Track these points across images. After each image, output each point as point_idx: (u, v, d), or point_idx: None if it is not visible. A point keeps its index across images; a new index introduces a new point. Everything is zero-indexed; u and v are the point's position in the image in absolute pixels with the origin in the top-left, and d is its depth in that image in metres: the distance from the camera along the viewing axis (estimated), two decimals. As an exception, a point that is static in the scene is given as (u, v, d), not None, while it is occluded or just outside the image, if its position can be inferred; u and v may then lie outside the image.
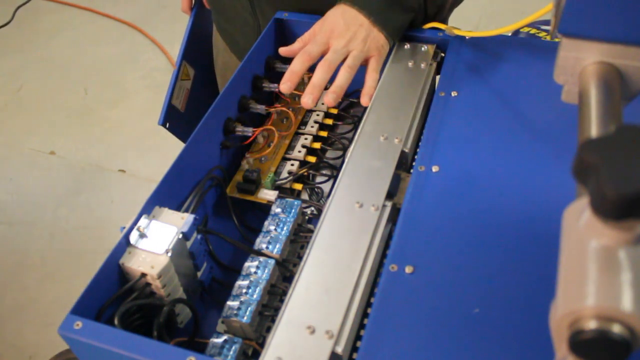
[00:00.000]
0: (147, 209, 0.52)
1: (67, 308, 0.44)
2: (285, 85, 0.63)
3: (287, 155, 0.68)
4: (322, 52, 0.65)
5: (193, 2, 0.98)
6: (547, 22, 1.47)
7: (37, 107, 2.11)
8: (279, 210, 0.57)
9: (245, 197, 0.63)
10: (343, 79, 0.64)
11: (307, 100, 0.63)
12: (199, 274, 0.55)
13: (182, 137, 0.96)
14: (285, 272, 0.55)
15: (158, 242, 0.49)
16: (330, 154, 0.71)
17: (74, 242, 1.65)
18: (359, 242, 0.50)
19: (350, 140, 0.67)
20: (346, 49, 0.65)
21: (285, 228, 0.56)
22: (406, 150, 0.59)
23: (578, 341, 0.28)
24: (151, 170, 1.83)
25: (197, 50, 1.00)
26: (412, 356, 0.43)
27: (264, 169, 0.66)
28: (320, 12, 0.69)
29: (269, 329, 0.52)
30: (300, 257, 0.56)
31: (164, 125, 0.91)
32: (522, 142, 0.59)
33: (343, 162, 0.59)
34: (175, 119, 0.94)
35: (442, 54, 0.71)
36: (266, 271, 0.52)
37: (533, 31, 1.46)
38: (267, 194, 0.63)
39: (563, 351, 0.29)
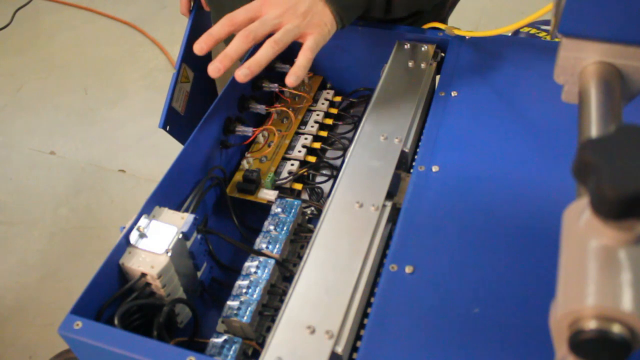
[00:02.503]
0: (147, 209, 0.52)
1: (67, 308, 0.44)
2: (198, 46, 0.57)
3: (287, 155, 0.68)
4: (249, 20, 0.58)
5: (192, 4, 0.98)
6: (547, 22, 1.47)
7: (37, 107, 2.11)
8: (279, 210, 0.57)
9: (245, 197, 0.63)
10: (263, 53, 0.57)
11: (213, 70, 0.56)
12: (199, 273, 0.55)
13: (182, 139, 0.96)
14: (285, 272, 0.55)
15: (158, 242, 0.49)
16: (330, 154, 0.71)
17: (74, 242, 1.65)
18: (359, 242, 0.50)
19: (350, 140, 0.67)
20: (278, 21, 0.58)
21: (285, 228, 0.56)
22: (406, 150, 0.59)
23: (578, 341, 0.28)
24: (151, 170, 1.83)
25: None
26: (412, 356, 0.43)
27: (264, 169, 0.66)
28: None
29: (269, 329, 0.52)
30: (300, 257, 0.56)
31: (164, 128, 0.92)
32: (522, 142, 0.59)
33: (343, 162, 0.59)
34: (175, 122, 0.94)
35: (442, 54, 0.71)
36: (266, 271, 0.52)
37: (533, 31, 1.46)
38: (267, 194, 0.63)
39: (563, 351, 0.29)
